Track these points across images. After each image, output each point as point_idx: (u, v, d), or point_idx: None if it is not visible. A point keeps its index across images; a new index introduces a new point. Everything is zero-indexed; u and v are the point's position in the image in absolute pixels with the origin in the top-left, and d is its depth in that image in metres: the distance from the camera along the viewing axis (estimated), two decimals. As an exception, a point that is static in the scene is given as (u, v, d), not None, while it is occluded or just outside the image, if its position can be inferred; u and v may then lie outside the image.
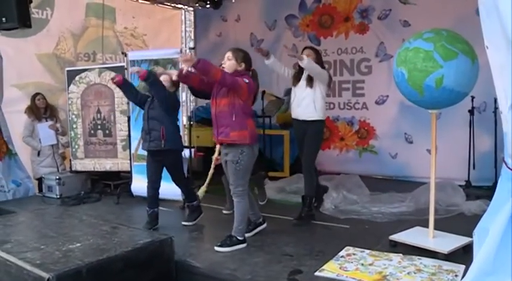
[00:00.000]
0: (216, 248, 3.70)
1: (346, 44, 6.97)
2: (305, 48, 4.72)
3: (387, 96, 6.62)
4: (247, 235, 3.91)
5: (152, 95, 4.35)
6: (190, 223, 4.50)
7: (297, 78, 4.62)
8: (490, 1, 1.94)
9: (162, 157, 4.36)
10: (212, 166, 4.42)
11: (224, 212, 4.94)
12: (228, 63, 3.71)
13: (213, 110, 3.77)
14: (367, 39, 6.78)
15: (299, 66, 4.50)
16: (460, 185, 5.30)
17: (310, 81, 4.49)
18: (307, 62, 4.28)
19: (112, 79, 4.46)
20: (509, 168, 2.05)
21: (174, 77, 4.09)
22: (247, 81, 3.66)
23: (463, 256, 3.29)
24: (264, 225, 4.16)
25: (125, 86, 4.48)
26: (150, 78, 4.15)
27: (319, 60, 4.56)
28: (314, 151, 4.61)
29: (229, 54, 3.74)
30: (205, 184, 4.55)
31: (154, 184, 4.41)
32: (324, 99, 4.59)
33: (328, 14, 7.18)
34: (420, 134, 6.09)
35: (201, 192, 4.55)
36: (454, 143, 5.77)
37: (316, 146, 4.63)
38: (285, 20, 7.63)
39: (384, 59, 6.62)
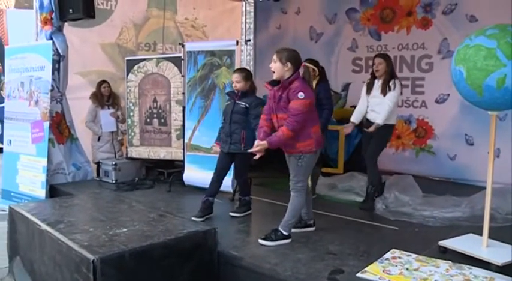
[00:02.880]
0: (260, 241, 3.69)
1: (407, 39, 6.72)
2: (376, 56, 4.85)
3: (448, 95, 6.33)
4: (293, 230, 3.87)
5: (234, 99, 4.44)
6: (238, 215, 4.53)
7: (369, 87, 4.81)
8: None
9: (237, 156, 4.48)
10: None
11: None
12: (274, 66, 3.61)
13: (276, 125, 3.70)
14: (429, 35, 6.50)
15: (371, 74, 4.82)
16: (524, 193, 5.00)
17: (383, 90, 4.64)
18: (381, 120, 4.59)
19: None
20: None
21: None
22: (302, 96, 3.48)
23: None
24: (313, 228, 4.09)
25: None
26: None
27: (390, 68, 4.72)
28: (379, 146, 4.82)
29: (274, 56, 3.65)
30: None
31: (219, 176, 4.55)
32: (396, 105, 4.77)
33: (390, 8, 6.94)
34: (482, 136, 5.76)
35: None
36: (520, 146, 5.44)
37: (382, 144, 4.85)
38: (346, 13, 7.45)
39: (446, 56, 6.32)
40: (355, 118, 4.90)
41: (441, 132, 6.53)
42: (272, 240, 3.69)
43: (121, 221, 3.53)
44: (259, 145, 3.61)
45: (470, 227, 4.00)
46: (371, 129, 4.64)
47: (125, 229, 3.30)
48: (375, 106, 4.72)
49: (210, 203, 4.50)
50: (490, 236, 3.43)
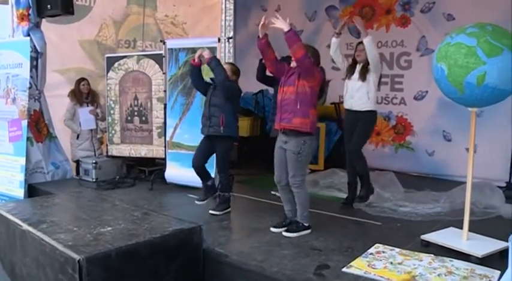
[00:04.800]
0: (284, 234, 3.83)
1: (386, 37, 6.81)
2: (360, 42, 4.77)
3: (426, 92, 6.44)
4: (278, 230, 3.92)
5: (214, 82, 4.50)
6: (218, 213, 4.51)
7: (350, 72, 4.75)
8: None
9: (216, 142, 4.51)
10: None
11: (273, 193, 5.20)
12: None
13: (279, 97, 3.89)
14: (408, 33, 6.60)
15: (353, 59, 4.71)
16: (500, 187, 5.13)
17: (363, 74, 4.59)
18: (370, 39, 4.42)
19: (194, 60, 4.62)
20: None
21: (261, 34, 3.91)
22: (318, 70, 3.83)
23: (499, 261, 3.17)
24: None
25: (198, 70, 4.67)
26: (214, 59, 4.42)
27: None
28: (363, 136, 4.77)
29: None
30: None
31: (198, 163, 4.58)
32: (376, 91, 4.70)
33: (369, 6, 7.03)
34: (460, 132, 5.91)
35: None
36: (495, 142, 5.57)
37: (366, 133, 4.79)
38: (325, 11, 7.52)
39: (424, 53, 6.43)
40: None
41: (420, 128, 6.64)
42: (295, 231, 3.84)
43: (105, 220, 3.50)
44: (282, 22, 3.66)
45: (450, 221, 4.09)
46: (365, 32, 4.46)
47: (109, 228, 3.27)
48: (354, 91, 4.64)
49: (209, 186, 4.61)
50: (470, 230, 3.51)
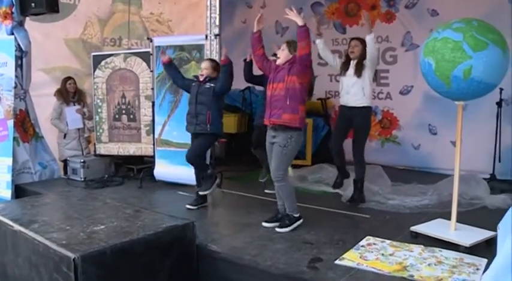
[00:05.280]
0: (278, 230, 3.86)
1: (372, 32, 6.88)
2: (352, 38, 4.85)
3: (412, 86, 6.53)
4: (270, 225, 3.96)
5: (198, 80, 4.56)
6: (207, 192, 4.58)
7: (344, 68, 4.79)
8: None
9: (201, 138, 4.56)
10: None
11: (260, 179, 5.31)
12: (282, 53, 3.90)
13: (269, 93, 3.94)
14: (393, 28, 6.68)
15: (346, 56, 4.77)
16: (485, 178, 5.23)
17: (358, 70, 4.64)
18: (372, 36, 4.48)
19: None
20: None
21: (256, 28, 4.05)
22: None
23: (486, 249, 3.26)
24: None
25: (172, 67, 4.81)
26: (229, 65, 4.49)
27: (364, 52, 4.70)
28: (364, 137, 4.83)
29: (283, 45, 3.93)
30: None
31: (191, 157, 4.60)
32: (371, 87, 4.77)
33: (354, 2, 7.09)
34: (445, 126, 6.01)
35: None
36: (479, 135, 5.66)
37: (366, 133, 4.85)
38: (311, 7, 7.55)
39: (409, 48, 6.52)
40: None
41: (405, 122, 6.74)
42: (288, 225, 3.88)
43: (97, 218, 3.49)
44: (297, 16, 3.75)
45: (438, 213, 4.17)
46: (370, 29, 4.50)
47: (102, 226, 3.27)
48: (350, 87, 4.68)
49: (209, 175, 4.64)
50: (457, 220, 3.60)
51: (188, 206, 4.57)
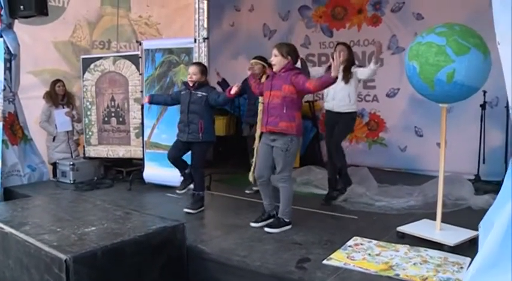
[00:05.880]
0: (266, 229, 3.92)
1: (358, 36, 6.98)
2: (338, 44, 4.92)
3: (398, 89, 6.64)
4: (258, 225, 4.03)
5: (189, 89, 4.59)
6: (193, 211, 4.57)
7: None
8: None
9: (194, 146, 4.59)
10: (255, 153, 4.64)
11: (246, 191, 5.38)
12: (276, 59, 3.94)
13: (266, 101, 4.00)
14: (379, 32, 6.77)
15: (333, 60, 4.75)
16: (470, 180, 5.35)
17: (346, 76, 4.69)
18: (376, 66, 4.54)
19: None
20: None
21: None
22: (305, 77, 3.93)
23: (469, 248, 3.33)
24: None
25: (155, 99, 4.90)
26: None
27: (351, 57, 4.82)
28: (343, 132, 4.94)
29: (274, 51, 3.96)
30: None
31: (172, 156, 4.65)
32: (357, 93, 4.90)
33: (341, 6, 7.19)
34: (430, 128, 6.12)
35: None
36: (464, 137, 5.78)
37: (346, 129, 4.95)
38: (298, 11, 7.64)
39: (396, 51, 6.63)
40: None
41: (392, 125, 6.84)
42: (276, 227, 3.94)
43: (88, 220, 3.52)
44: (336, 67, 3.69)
45: (424, 214, 4.25)
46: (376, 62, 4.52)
47: (93, 228, 3.30)
48: (336, 93, 4.74)
49: (187, 174, 4.67)
50: (442, 221, 3.68)
51: (186, 210, 4.56)
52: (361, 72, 4.70)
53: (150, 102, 4.94)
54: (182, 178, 4.75)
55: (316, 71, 4.87)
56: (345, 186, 4.89)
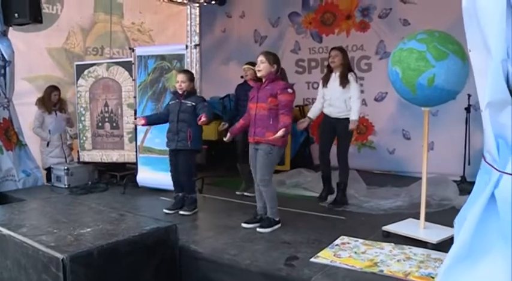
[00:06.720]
0: (258, 230, 4.07)
1: (347, 41, 7.11)
2: (332, 48, 5.00)
3: (386, 93, 6.78)
4: (249, 226, 4.16)
5: (178, 98, 4.71)
6: (189, 213, 4.69)
7: (326, 80, 4.96)
8: (471, 10, 2.12)
9: (180, 155, 4.71)
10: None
11: (237, 192, 5.52)
12: (262, 66, 4.04)
13: (252, 112, 4.13)
14: (367, 37, 6.95)
15: (328, 66, 4.97)
16: (456, 181, 5.49)
17: (342, 82, 4.79)
18: (356, 117, 4.78)
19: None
20: (486, 162, 2.23)
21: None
22: (290, 91, 4.06)
23: (451, 245, 3.45)
24: None
25: (151, 120, 4.97)
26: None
27: (346, 61, 4.91)
28: (348, 143, 5.02)
29: (261, 58, 4.06)
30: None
31: (175, 180, 4.83)
32: (360, 97, 4.93)
33: (330, 12, 7.35)
34: (418, 131, 6.21)
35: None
36: (450, 139, 5.93)
37: (349, 140, 5.06)
38: (288, 17, 7.79)
39: (383, 57, 6.78)
40: (312, 114, 5.07)
41: (380, 128, 6.99)
42: (268, 227, 4.09)
43: (84, 222, 3.63)
44: (281, 133, 3.88)
45: (410, 214, 4.36)
46: (352, 126, 4.75)
47: (89, 229, 3.40)
48: (334, 100, 4.84)
49: (180, 198, 4.79)
50: (427, 220, 3.82)
51: (182, 212, 4.68)
52: (354, 93, 4.82)
53: (147, 124, 5.02)
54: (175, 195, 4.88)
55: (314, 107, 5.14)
56: (342, 202, 4.93)
